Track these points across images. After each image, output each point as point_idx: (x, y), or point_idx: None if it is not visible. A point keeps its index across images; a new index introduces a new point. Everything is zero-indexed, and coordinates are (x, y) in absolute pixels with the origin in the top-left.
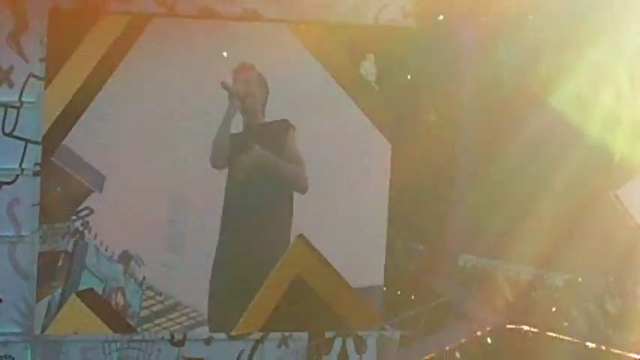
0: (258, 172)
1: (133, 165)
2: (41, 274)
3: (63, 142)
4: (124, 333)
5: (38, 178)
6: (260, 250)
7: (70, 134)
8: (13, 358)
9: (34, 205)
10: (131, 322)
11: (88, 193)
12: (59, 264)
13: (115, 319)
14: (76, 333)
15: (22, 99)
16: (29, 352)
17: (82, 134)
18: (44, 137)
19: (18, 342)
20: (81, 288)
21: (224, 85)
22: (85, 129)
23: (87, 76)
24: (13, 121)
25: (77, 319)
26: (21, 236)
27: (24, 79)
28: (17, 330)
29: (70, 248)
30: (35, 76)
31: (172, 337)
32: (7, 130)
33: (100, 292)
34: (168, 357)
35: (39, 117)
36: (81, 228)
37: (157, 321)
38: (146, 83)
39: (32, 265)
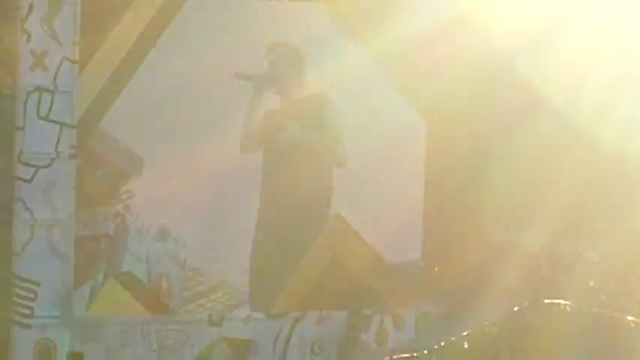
0: (295, 149)
1: (171, 147)
2: (83, 258)
3: (99, 126)
4: (162, 314)
5: (74, 162)
6: (299, 228)
7: (105, 117)
8: (53, 340)
9: (70, 188)
10: (173, 304)
11: (128, 176)
12: (101, 247)
13: (153, 300)
14: (116, 314)
15: (57, 82)
16: (68, 334)
17: (117, 117)
18: (79, 121)
19: (57, 325)
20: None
21: (239, 75)
22: (120, 112)
23: (121, 59)
24: (48, 105)
25: (115, 302)
26: (58, 219)
27: (58, 63)
28: (56, 313)
29: (111, 231)
30: (69, 60)
31: (210, 317)
32: (42, 114)
33: (143, 275)
34: (206, 337)
35: (73, 100)
36: (122, 211)
37: (199, 301)
38: (181, 65)
39: (69, 247)
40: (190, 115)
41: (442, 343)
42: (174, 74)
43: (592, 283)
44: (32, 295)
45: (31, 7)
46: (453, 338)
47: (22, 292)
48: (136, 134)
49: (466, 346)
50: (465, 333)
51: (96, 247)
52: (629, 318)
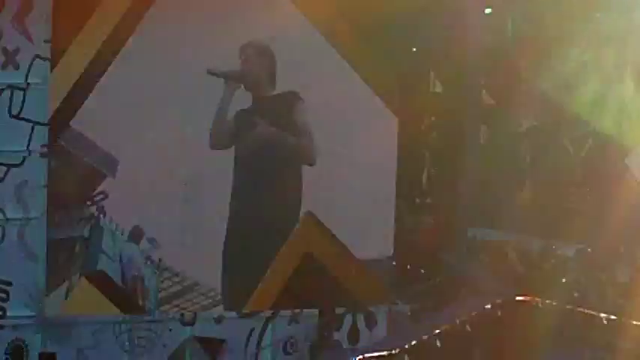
0: (266, 148)
1: (145, 147)
2: (58, 260)
3: (70, 124)
4: (134, 314)
5: (46, 160)
6: (270, 227)
7: (77, 116)
8: (24, 341)
9: (42, 187)
10: (148, 305)
11: (102, 177)
12: (75, 250)
13: (126, 300)
14: (88, 314)
15: (29, 80)
16: (40, 335)
17: (89, 116)
18: (51, 119)
19: (29, 325)
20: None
21: (211, 72)
22: (92, 110)
23: (93, 56)
24: (20, 103)
25: (88, 301)
26: (29, 219)
27: (30, 61)
28: (28, 313)
29: (85, 233)
30: (41, 57)
31: (183, 316)
32: (14, 112)
33: (118, 276)
34: (179, 337)
35: (45, 98)
36: (96, 212)
37: (175, 302)
38: (154, 62)
39: (41, 247)
40: (164, 114)
41: (415, 342)
42: (146, 73)
43: (565, 279)
44: (4, 295)
45: (1, 5)
46: (426, 337)
47: None
48: (109, 134)
49: (439, 344)
50: (437, 331)
51: (70, 249)
52: (602, 315)
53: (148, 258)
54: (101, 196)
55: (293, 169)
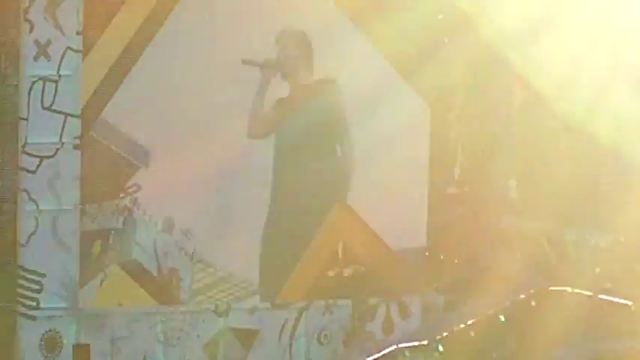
0: (305, 136)
1: (177, 137)
2: (91, 252)
3: (102, 116)
4: (168, 304)
5: (78, 152)
6: (306, 217)
7: (107, 108)
8: (59, 332)
9: (75, 178)
10: (182, 296)
11: (135, 168)
12: (109, 241)
13: (161, 289)
14: (120, 305)
15: (60, 72)
16: (74, 326)
17: (120, 108)
18: (83, 110)
19: (63, 316)
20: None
21: (246, 61)
22: (123, 102)
23: (124, 46)
24: (52, 95)
25: (122, 292)
26: (62, 210)
27: (61, 53)
28: (61, 304)
29: (119, 225)
30: (72, 49)
31: (217, 307)
32: (46, 104)
33: (153, 267)
34: (212, 328)
35: (77, 90)
36: (129, 204)
37: (208, 293)
38: (186, 53)
39: (75, 238)
40: (196, 104)
41: (449, 332)
42: (178, 63)
43: (598, 269)
44: (38, 287)
45: None
46: (460, 327)
47: (28, 284)
48: (140, 125)
49: (472, 334)
50: (471, 321)
51: (104, 241)
52: (634, 304)
53: (182, 249)
54: (134, 187)
55: (330, 157)
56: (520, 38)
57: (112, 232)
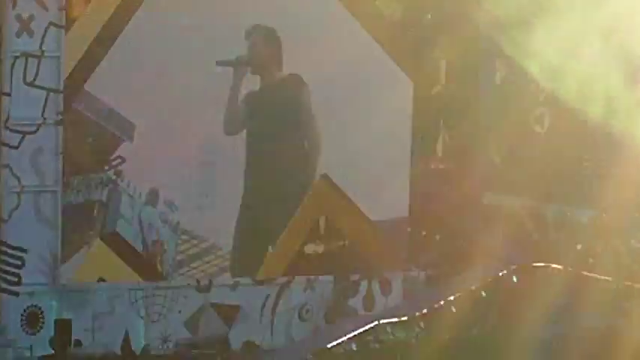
0: (277, 124)
1: (161, 111)
2: (76, 225)
3: (84, 89)
4: (150, 278)
5: (61, 128)
6: (286, 191)
7: (91, 81)
8: (40, 307)
9: (58, 154)
10: (167, 267)
11: (119, 141)
12: (94, 214)
13: (142, 263)
14: (104, 280)
15: (43, 48)
16: (56, 301)
17: (104, 81)
18: (65, 86)
19: (45, 292)
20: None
21: (220, 63)
22: (107, 75)
23: (107, 20)
24: (34, 71)
25: (103, 267)
26: (45, 186)
27: (44, 28)
28: (43, 280)
29: (104, 197)
30: (55, 25)
31: (198, 283)
32: (28, 80)
33: (137, 239)
34: (194, 303)
35: (60, 66)
36: (114, 177)
37: (192, 264)
38: (167, 26)
39: (57, 214)
40: (179, 78)
41: (430, 308)
42: (160, 37)
43: (579, 246)
44: (20, 263)
45: None
46: (441, 303)
47: (10, 260)
48: (125, 99)
49: (454, 310)
50: (452, 297)
51: (89, 213)
52: (616, 280)
53: (166, 221)
54: (118, 160)
55: (299, 144)
56: (513, 24)
57: (97, 203)
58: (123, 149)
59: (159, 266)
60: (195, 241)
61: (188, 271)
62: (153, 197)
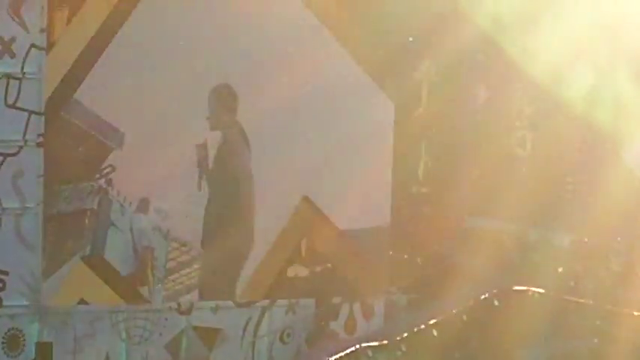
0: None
1: (150, 120)
2: (69, 233)
3: (74, 99)
4: (132, 301)
5: (42, 150)
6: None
7: (80, 91)
8: (21, 330)
9: (39, 176)
10: (159, 274)
11: (109, 150)
12: (85, 223)
13: (124, 285)
14: (85, 302)
15: (24, 70)
16: (37, 324)
17: (93, 91)
18: (46, 106)
19: (25, 314)
20: (109, 244)
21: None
22: (96, 86)
23: (93, 33)
24: (16, 92)
25: (84, 289)
26: (26, 208)
27: (26, 50)
28: (24, 302)
29: (95, 206)
30: (36, 47)
31: (179, 306)
32: (9, 102)
33: (129, 247)
34: (175, 326)
35: (41, 88)
36: (104, 185)
37: (183, 271)
38: (149, 47)
39: (37, 236)
40: (166, 88)
41: (411, 332)
42: (141, 58)
43: (561, 269)
44: (0, 285)
45: None
46: (423, 326)
47: None
48: (114, 108)
49: (435, 333)
50: (434, 321)
51: (81, 222)
52: (598, 304)
53: (156, 228)
54: (109, 169)
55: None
56: (517, 26)
57: (89, 212)
58: (113, 158)
59: (140, 291)
60: (184, 248)
61: (179, 277)
62: (143, 205)
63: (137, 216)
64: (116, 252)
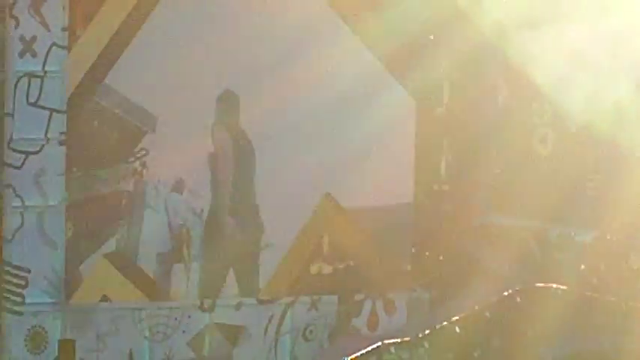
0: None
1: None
2: (108, 214)
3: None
4: (155, 298)
5: (64, 148)
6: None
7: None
8: (44, 327)
9: (61, 174)
10: (195, 252)
11: (143, 133)
12: (122, 203)
13: (146, 282)
14: (108, 300)
15: (46, 68)
16: (60, 321)
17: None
18: (68, 104)
19: (48, 312)
20: (146, 225)
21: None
22: (126, 70)
23: (108, 41)
24: (37, 91)
25: (107, 284)
26: (48, 206)
27: (47, 49)
28: (47, 300)
29: (130, 187)
30: (58, 45)
31: (202, 303)
32: (31, 100)
33: (164, 225)
34: (198, 324)
35: (62, 86)
36: (139, 168)
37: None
38: (170, 45)
39: (60, 234)
40: (181, 102)
41: (434, 329)
42: (163, 56)
43: (583, 266)
44: (23, 282)
45: None
46: (445, 323)
47: (13, 280)
48: (146, 93)
49: (458, 330)
50: (456, 318)
51: (117, 203)
52: (621, 301)
53: (190, 207)
54: (143, 152)
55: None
56: (518, 32)
57: (125, 194)
58: (146, 141)
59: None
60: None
61: (214, 255)
62: (177, 185)
63: (172, 195)
64: (152, 232)
